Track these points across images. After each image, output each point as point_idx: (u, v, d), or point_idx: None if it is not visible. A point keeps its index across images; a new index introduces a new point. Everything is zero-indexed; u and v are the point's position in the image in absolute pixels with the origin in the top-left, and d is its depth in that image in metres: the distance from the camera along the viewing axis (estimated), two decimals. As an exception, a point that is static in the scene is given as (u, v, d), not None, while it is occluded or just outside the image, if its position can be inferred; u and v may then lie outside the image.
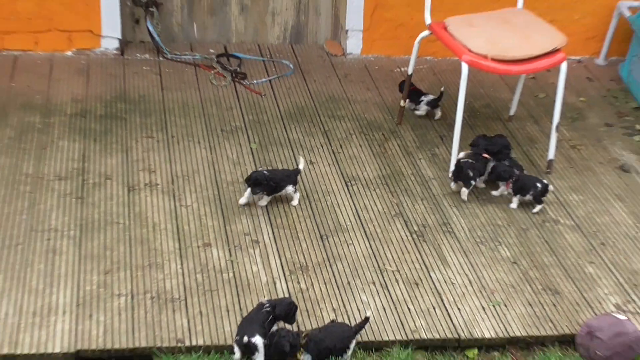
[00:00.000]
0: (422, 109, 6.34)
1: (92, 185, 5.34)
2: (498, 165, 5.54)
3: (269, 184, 5.19)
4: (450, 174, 5.60)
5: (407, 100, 6.31)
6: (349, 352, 4.34)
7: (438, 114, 6.36)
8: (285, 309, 4.39)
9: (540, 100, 6.68)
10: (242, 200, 5.27)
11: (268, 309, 4.34)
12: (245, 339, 4.21)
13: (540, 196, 5.44)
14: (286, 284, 4.75)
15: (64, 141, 5.72)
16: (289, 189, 5.28)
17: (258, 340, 4.21)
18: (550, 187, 5.48)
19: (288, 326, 4.42)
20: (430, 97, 6.32)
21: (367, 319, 4.42)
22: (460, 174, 5.49)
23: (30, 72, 6.48)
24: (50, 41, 6.69)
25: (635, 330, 4.51)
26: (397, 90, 6.41)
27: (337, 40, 7.16)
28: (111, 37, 6.75)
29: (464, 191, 5.51)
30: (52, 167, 5.47)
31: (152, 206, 5.22)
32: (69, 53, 6.76)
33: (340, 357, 4.33)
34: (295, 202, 5.33)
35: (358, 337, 4.40)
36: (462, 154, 5.65)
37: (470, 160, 5.53)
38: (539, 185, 5.42)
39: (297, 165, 5.44)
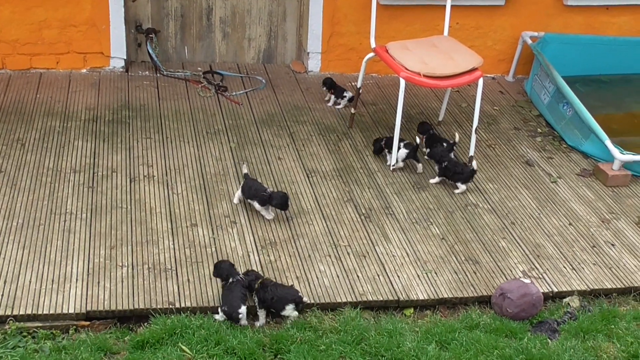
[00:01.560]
0: (342, 103, 6.38)
1: (101, 177, 5.22)
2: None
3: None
4: (392, 168, 5.59)
5: (332, 96, 6.40)
6: (284, 313, 4.19)
7: (343, 103, 6.41)
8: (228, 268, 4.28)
9: (463, 109, 6.61)
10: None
11: (237, 278, 4.22)
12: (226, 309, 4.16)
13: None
14: (258, 257, 4.63)
15: (78, 141, 5.60)
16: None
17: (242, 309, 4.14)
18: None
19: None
20: (350, 94, 6.36)
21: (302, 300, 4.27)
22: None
23: (52, 86, 6.36)
24: (69, 61, 6.58)
25: (538, 291, 4.50)
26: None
27: (300, 61, 7.07)
28: (118, 57, 6.63)
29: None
30: (69, 162, 5.35)
31: (150, 194, 5.10)
32: (84, 71, 6.63)
33: (280, 312, 4.21)
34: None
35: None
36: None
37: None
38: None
39: (242, 171, 5.20)
